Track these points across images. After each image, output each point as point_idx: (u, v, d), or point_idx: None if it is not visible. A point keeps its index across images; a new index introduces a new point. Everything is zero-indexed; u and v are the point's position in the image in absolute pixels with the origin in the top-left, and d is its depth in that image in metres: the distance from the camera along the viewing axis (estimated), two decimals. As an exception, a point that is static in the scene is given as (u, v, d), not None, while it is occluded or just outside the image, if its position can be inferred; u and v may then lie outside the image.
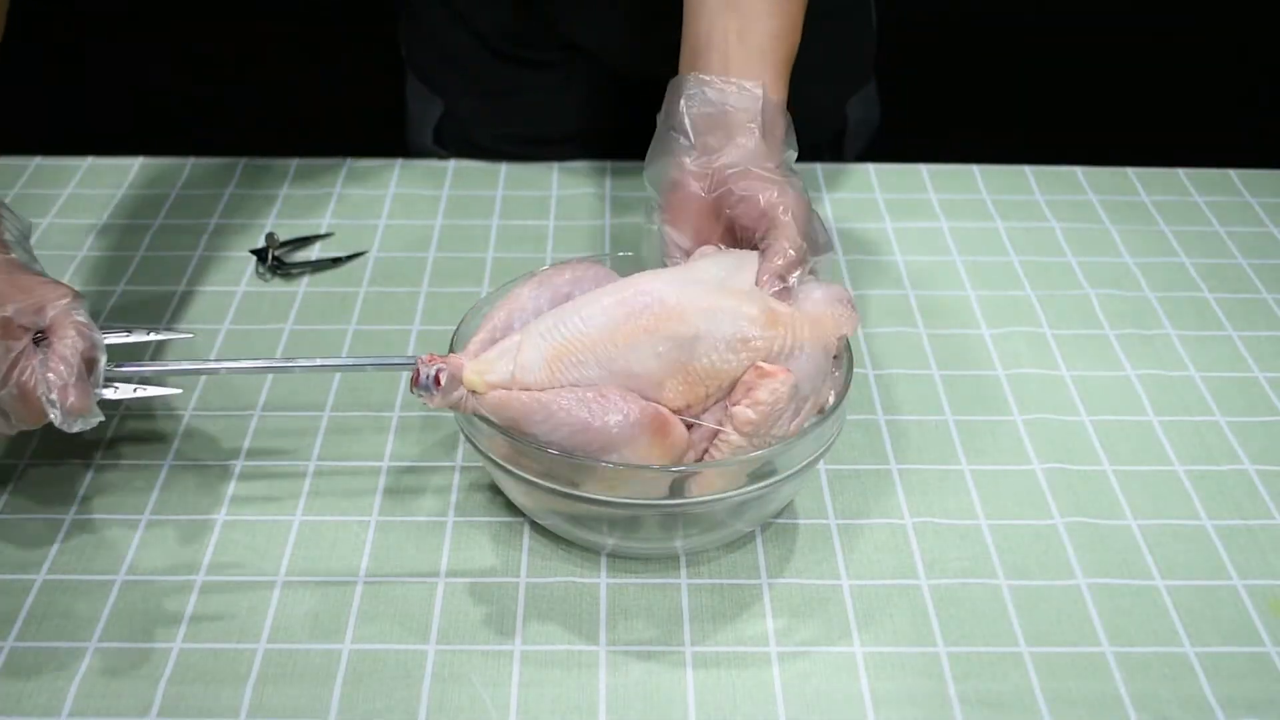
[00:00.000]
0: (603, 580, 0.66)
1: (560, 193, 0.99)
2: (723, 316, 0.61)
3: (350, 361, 0.75)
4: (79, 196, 0.98)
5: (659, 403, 0.61)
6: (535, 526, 0.69)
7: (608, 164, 1.01)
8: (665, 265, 0.70)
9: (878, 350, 0.82)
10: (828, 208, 0.98)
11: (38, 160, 1.02)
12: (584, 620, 0.64)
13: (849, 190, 1.00)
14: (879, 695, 0.60)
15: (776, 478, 0.63)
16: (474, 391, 0.61)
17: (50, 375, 0.61)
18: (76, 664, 0.61)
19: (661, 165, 0.72)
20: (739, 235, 0.69)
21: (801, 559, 0.67)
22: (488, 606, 0.65)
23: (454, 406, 0.62)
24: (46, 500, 0.70)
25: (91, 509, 0.70)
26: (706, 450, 0.63)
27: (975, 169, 1.03)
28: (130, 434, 0.75)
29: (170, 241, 0.93)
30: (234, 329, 0.84)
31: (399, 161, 1.02)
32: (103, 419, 0.62)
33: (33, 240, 0.92)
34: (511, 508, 0.70)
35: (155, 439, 0.75)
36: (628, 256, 0.73)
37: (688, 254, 0.70)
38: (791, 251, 0.65)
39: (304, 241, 0.91)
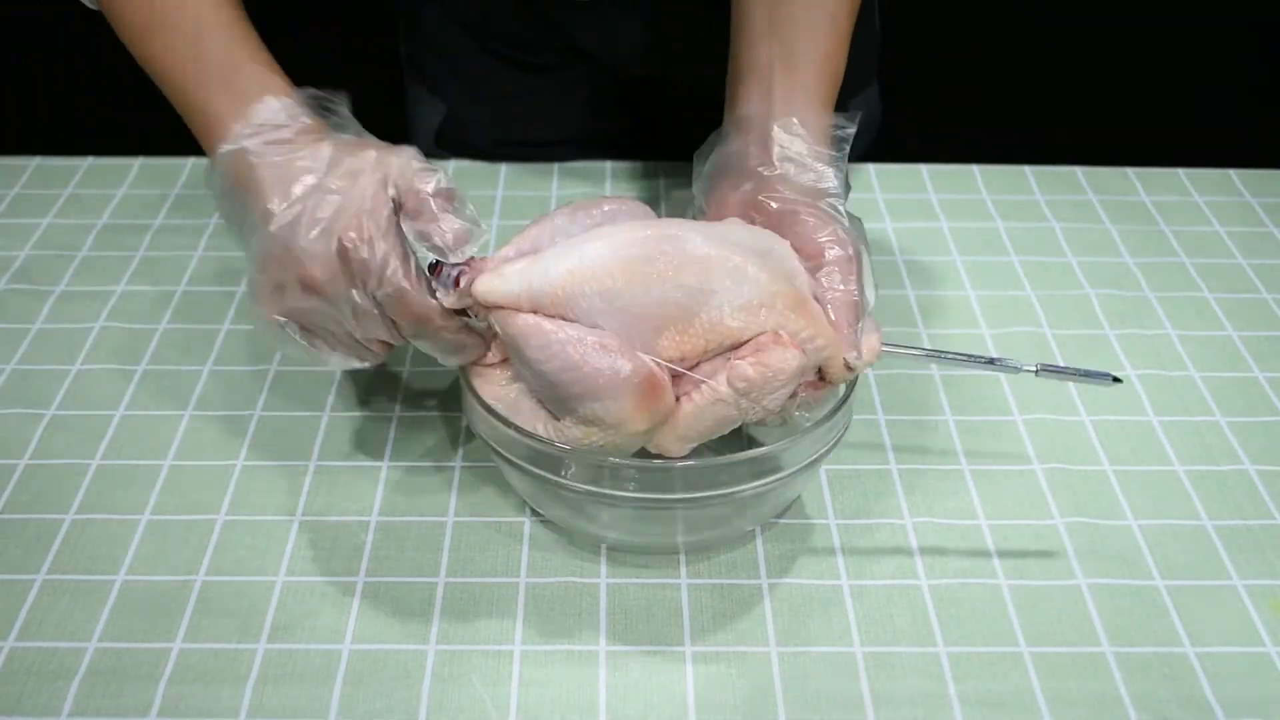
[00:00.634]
0: (603, 580, 0.66)
1: (560, 193, 0.99)
2: (747, 282, 0.60)
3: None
4: (79, 196, 0.98)
5: (654, 350, 0.60)
6: (535, 527, 0.69)
7: (607, 164, 1.01)
8: None
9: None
10: (828, 208, 0.98)
11: (38, 160, 1.02)
12: (584, 620, 0.64)
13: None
14: (879, 695, 0.60)
15: (783, 474, 0.63)
16: (483, 304, 0.61)
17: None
18: (76, 664, 0.61)
19: (714, 183, 0.70)
20: None
21: (801, 559, 0.67)
22: (488, 606, 0.65)
23: (465, 309, 0.62)
24: (48, 500, 0.70)
25: (92, 509, 0.70)
26: (684, 396, 0.61)
27: (975, 169, 1.02)
28: (130, 434, 0.75)
29: (170, 241, 0.93)
30: (234, 329, 0.84)
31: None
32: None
33: (32, 240, 0.92)
34: (511, 507, 0.70)
35: (155, 439, 0.75)
36: None
37: None
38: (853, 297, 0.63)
39: None
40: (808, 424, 0.64)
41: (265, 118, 0.65)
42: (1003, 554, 0.68)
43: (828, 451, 0.65)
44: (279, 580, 0.66)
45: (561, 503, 0.66)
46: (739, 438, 0.68)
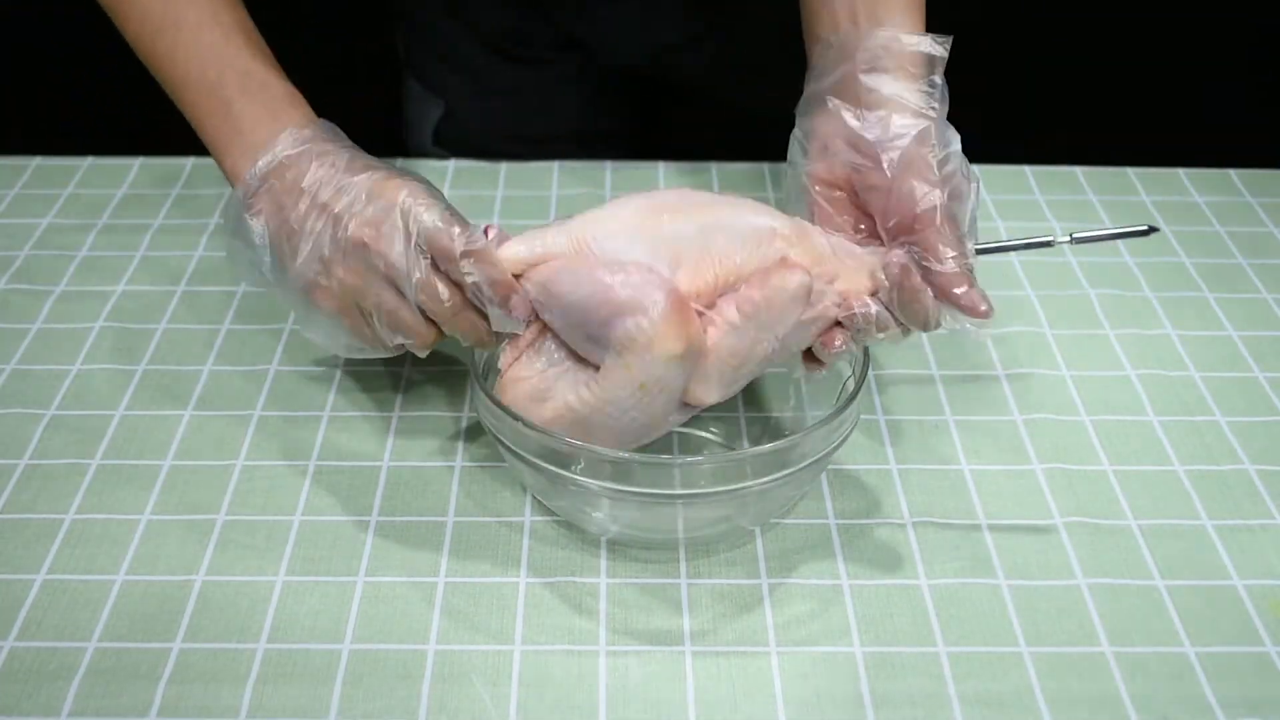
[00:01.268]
0: (603, 580, 0.66)
1: (560, 193, 0.99)
2: (749, 214, 0.63)
3: None
4: (79, 196, 0.98)
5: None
6: (536, 526, 0.69)
7: (607, 164, 1.01)
8: (801, 212, 0.70)
9: (878, 350, 0.82)
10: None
11: (38, 160, 1.02)
12: (584, 620, 0.64)
13: (849, 190, 1.00)
14: (879, 695, 0.60)
15: (786, 471, 0.63)
16: (511, 266, 0.63)
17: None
18: (76, 664, 0.61)
19: (818, 119, 0.71)
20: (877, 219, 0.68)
21: (801, 559, 0.67)
22: (488, 606, 0.65)
23: (493, 273, 0.63)
24: (47, 500, 0.70)
25: (91, 509, 0.70)
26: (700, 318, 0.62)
27: (975, 169, 1.02)
28: (130, 434, 0.75)
29: (170, 241, 0.93)
30: (234, 329, 0.84)
31: (398, 162, 1.02)
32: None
33: (32, 240, 0.92)
34: (512, 507, 0.70)
35: (155, 438, 0.75)
36: None
37: (831, 213, 0.70)
38: (952, 259, 0.64)
39: None
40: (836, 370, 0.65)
41: (301, 141, 0.69)
42: (1003, 554, 0.68)
43: (833, 450, 0.65)
44: (279, 580, 0.66)
45: (568, 496, 0.66)
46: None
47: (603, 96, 1.07)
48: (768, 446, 0.62)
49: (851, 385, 0.67)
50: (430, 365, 0.80)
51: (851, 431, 0.66)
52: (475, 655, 0.62)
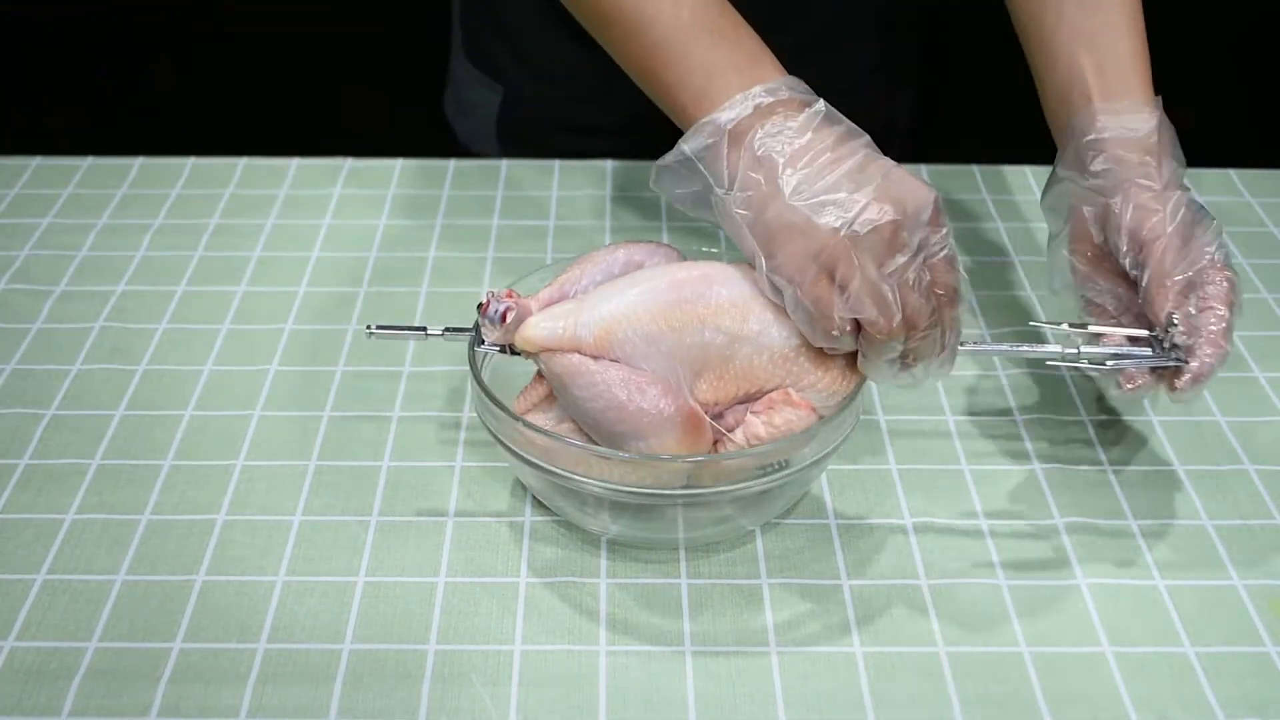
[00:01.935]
0: (603, 580, 0.66)
1: (560, 193, 0.99)
2: (777, 331, 0.62)
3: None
4: (79, 196, 0.98)
5: (693, 394, 0.62)
6: (536, 526, 0.69)
7: (608, 164, 1.01)
8: (1070, 290, 0.73)
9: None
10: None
11: (38, 160, 1.02)
12: (584, 620, 0.64)
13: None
14: (879, 695, 0.60)
15: (788, 471, 0.63)
16: (525, 348, 0.63)
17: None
18: (76, 664, 0.61)
19: (1058, 191, 0.73)
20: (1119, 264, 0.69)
21: (801, 559, 0.67)
22: (488, 606, 0.65)
23: (510, 343, 0.64)
24: (47, 500, 0.70)
25: (91, 509, 0.70)
26: (716, 443, 0.64)
27: (975, 169, 1.02)
28: (130, 433, 0.75)
29: (170, 241, 0.93)
30: (234, 329, 0.84)
31: (399, 161, 1.02)
32: None
33: (32, 240, 0.92)
34: (512, 507, 0.70)
35: (154, 439, 0.75)
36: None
37: (1095, 281, 0.71)
38: (1159, 290, 0.65)
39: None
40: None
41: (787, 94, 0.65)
42: (1003, 554, 0.68)
43: (833, 451, 0.65)
44: (279, 580, 0.66)
45: (568, 496, 0.66)
46: None
47: None
48: (768, 446, 0.62)
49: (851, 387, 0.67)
50: (431, 365, 0.80)
51: (851, 432, 0.66)
52: (475, 655, 0.62)
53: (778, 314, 0.62)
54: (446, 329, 0.68)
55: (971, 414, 0.77)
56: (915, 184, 0.62)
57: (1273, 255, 0.93)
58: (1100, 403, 0.78)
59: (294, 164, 1.02)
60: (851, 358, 0.64)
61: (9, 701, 0.59)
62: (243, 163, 1.02)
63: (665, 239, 0.70)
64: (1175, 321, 0.65)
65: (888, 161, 0.63)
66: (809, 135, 0.63)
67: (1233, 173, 1.02)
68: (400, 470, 0.73)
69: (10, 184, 0.99)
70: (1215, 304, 0.66)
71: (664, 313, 0.62)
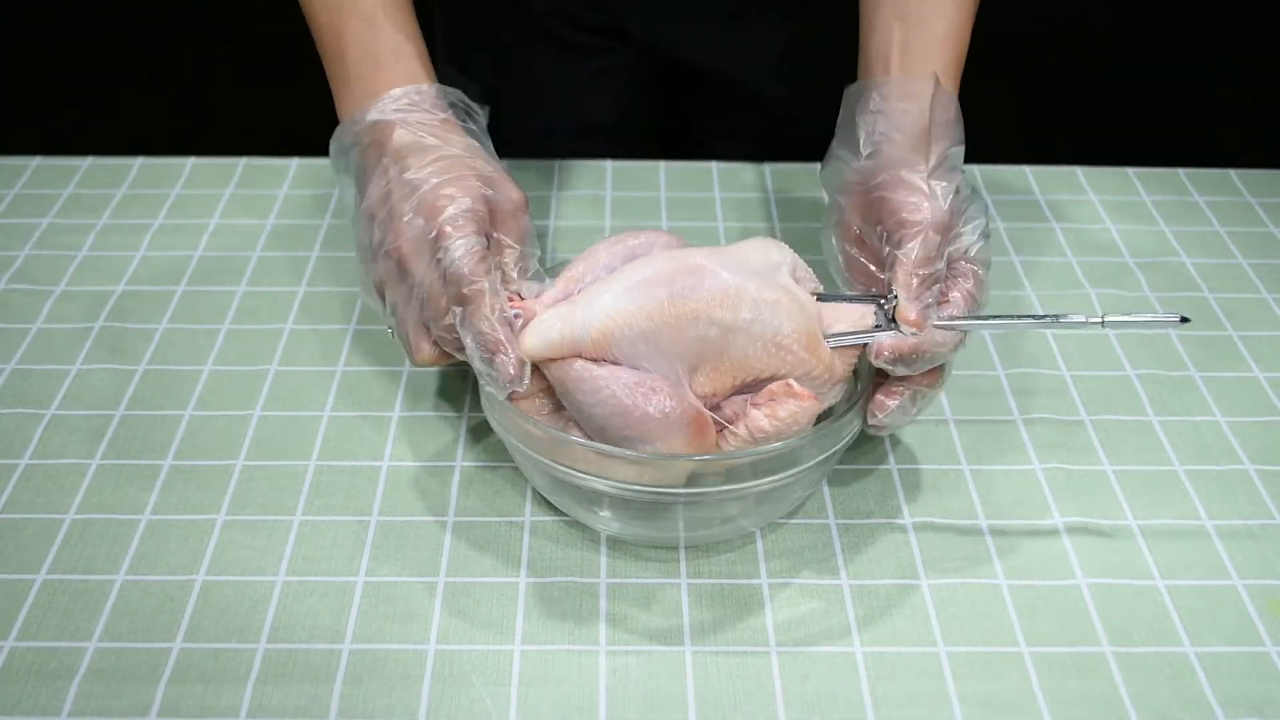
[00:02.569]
0: (603, 580, 0.66)
1: (560, 193, 0.99)
2: (770, 318, 0.62)
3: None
4: (79, 196, 0.98)
5: (691, 387, 0.62)
6: (536, 526, 0.69)
7: (608, 164, 1.01)
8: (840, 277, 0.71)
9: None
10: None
11: (38, 160, 1.02)
12: (584, 620, 0.64)
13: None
14: (879, 695, 0.60)
15: (790, 472, 0.63)
16: (531, 359, 0.63)
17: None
18: (76, 664, 0.61)
19: (833, 169, 0.73)
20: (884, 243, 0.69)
21: (801, 559, 0.67)
22: (488, 606, 0.65)
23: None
24: (47, 500, 0.70)
25: (91, 509, 0.70)
26: (718, 434, 0.64)
27: (975, 169, 1.02)
28: (130, 433, 0.75)
29: (170, 241, 0.93)
30: (234, 329, 0.84)
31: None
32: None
33: (32, 240, 0.92)
34: (512, 507, 0.70)
35: (154, 438, 0.75)
36: None
37: (856, 265, 0.70)
38: (917, 272, 0.64)
39: None
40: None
41: (413, 99, 0.72)
42: (1003, 554, 0.68)
43: (838, 451, 0.65)
44: (279, 580, 0.66)
45: (573, 493, 0.66)
46: None
47: (641, 89, 1.07)
48: (773, 447, 0.62)
49: (859, 387, 0.67)
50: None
51: (857, 433, 0.66)
52: (475, 655, 0.62)
53: (769, 301, 0.62)
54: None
55: (971, 414, 0.77)
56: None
57: (1273, 255, 0.93)
58: (1100, 403, 0.78)
59: (294, 164, 1.02)
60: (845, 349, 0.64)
61: (9, 701, 0.59)
62: (242, 163, 1.02)
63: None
64: (895, 295, 0.64)
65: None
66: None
67: (1233, 173, 1.02)
68: (400, 470, 0.73)
69: (10, 184, 0.99)
70: (956, 297, 0.66)
71: (659, 309, 0.62)
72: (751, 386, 0.63)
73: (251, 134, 1.40)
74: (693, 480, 0.63)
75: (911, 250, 0.65)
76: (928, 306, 0.64)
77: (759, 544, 0.68)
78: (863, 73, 0.75)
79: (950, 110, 0.71)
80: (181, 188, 0.99)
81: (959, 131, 0.71)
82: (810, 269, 0.67)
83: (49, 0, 2.19)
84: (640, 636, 0.63)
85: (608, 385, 0.61)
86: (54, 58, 2.22)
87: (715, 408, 0.64)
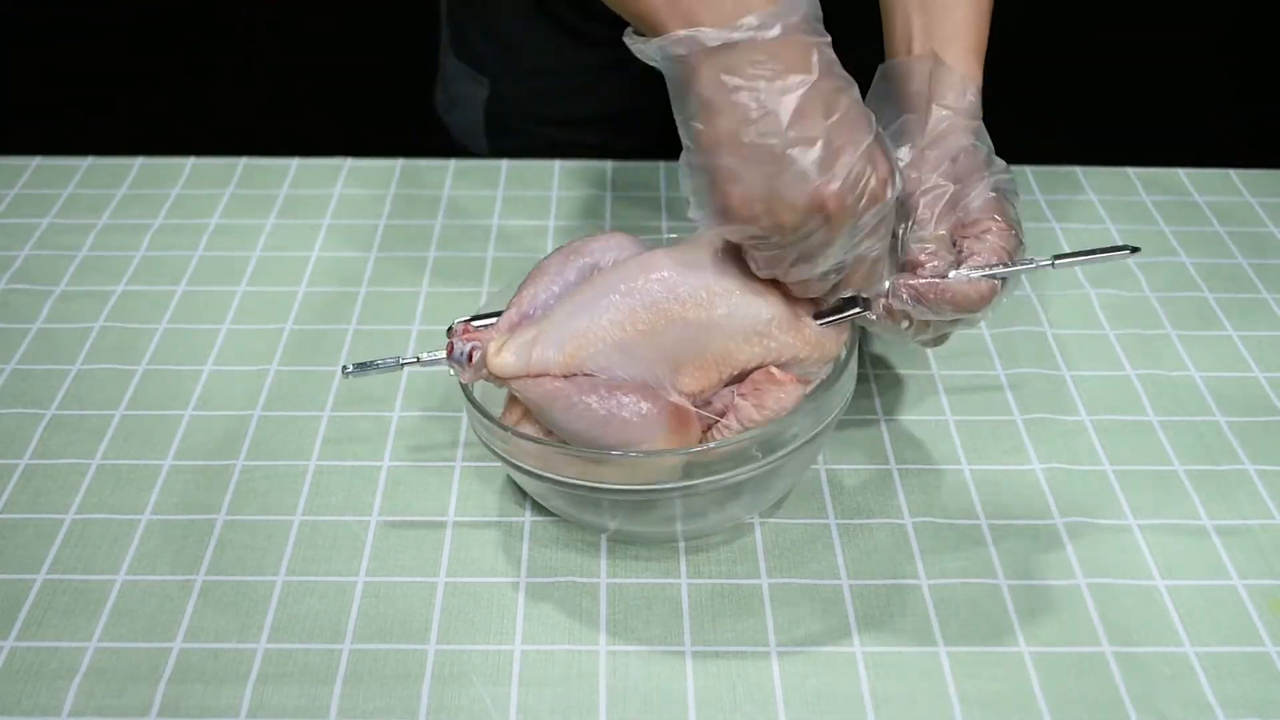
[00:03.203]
0: (603, 580, 0.66)
1: (560, 193, 0.99)
2: (744, 306, 0.62)
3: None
4: (79, 196, 0.98)
5: (676, 388, 0.62)
6: (535, 526, 0.69)
7: (608, 164, 1.01)
8: None
9: (878, 350, 0.82)
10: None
11: (38, 160, 1.02)
12: (584, 620, 0.64)
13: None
14: (879, 695, 0.60)
15: (779, 453, 0.63)
16: (499, 379, 0.63)
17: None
18: (76, 664, 0.61)
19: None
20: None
21: (801, 559, 0.67)
22: (488, 606, 0.65)
23: (486, 379, 0.64)
24: (47, 500, 0.70)
25: (91, 509, 0.70)
26: (709, 430, 0.64)
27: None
28: (130, 433, 0.75)
29: (170, 241, 0.93)
30: (234, 329, 0.84)
31: (399, 161, 1.02)
32: None
33: (32, 240, 0.92)
34: (512, 507, 0.70)
35: (154, 439, 0.75)
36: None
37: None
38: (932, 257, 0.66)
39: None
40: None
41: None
42: (1003, 554, 0.68)
43: (825, 429, 0.65)
44: (280, 580, 0.66)
45: (568, 499, 0.66)
46: None
47: (648, 81, 1.07)
48: (758, 430, 0.62)
49: (843, 356, 0.66)
50: (430, 365, 0.80)
51: (843, 410, 0.66)
52: (475, 655, 0.62)
53: (742, 292, 0.62)
54: (419, 358, 0.67)
55: (971, 413, 0.77)
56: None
57: (1273, 255, 0.93)
58: (1100, 403, 0.78)
59: (294, 164, 1.02)
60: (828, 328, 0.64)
61: (9, 701, 0.59)
62: (243, 163, 1.02)
63: (665, 238, 0.70)
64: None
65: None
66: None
67: (1233, 173, 1.02)
68: (400, 470, 0.73)
69: (10, 184, 0.99)
70: (981, 248, 0.67)
71: (630, 319, 0.61)
72: (739, 378, 0.63)
73: (251, 134, 1.40)
74: (688, 472, 0.63)
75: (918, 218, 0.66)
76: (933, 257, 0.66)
77: (759, 543, 0.68)
78: (886, 41, 0.76)
79: (955, 79, 0.72)
80: (181, 188, 0.99)
81: (962, 101, 0.72)
82: None
83: (49, 0, 2.19)
84: (640, 637, 0.63)
85: (581, 399, 0.61)
86: (54, 58, 2.22)
87: (705, 404, 0.63)
